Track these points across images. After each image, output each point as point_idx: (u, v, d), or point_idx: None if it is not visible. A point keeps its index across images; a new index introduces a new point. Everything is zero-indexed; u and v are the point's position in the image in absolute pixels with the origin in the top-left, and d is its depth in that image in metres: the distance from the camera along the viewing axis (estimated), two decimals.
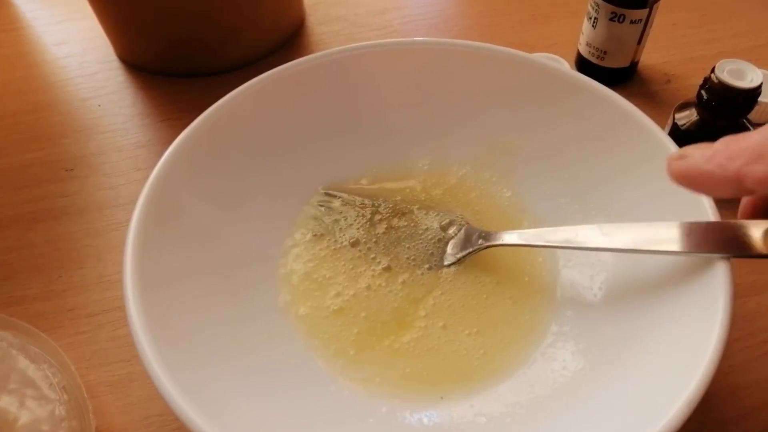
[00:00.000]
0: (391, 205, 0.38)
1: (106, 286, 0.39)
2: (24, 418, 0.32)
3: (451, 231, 0.37)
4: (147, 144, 0.48)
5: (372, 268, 0.35)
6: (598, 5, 0.45)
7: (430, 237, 0.37)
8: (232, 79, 0.43)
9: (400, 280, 0.35)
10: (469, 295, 0.34)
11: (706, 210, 0.29)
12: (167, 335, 0.28)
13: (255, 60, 0.53)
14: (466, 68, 0.39)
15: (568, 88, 0.36)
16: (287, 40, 0.55)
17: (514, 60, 0.38)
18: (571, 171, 0.37)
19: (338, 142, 0.40)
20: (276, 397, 0.30)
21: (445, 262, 0.36)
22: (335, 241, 0.37)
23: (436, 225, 0.37)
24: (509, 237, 0.34)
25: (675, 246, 0.28)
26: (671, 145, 0.33)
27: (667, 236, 0.28)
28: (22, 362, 0.34)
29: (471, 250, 0.35)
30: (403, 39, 0.41)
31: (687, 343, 0.26)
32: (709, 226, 0.28)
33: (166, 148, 0.35)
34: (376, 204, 0.38)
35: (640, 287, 0.31)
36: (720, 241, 0.27)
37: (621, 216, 0.34)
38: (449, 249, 0.36)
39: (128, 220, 0.31)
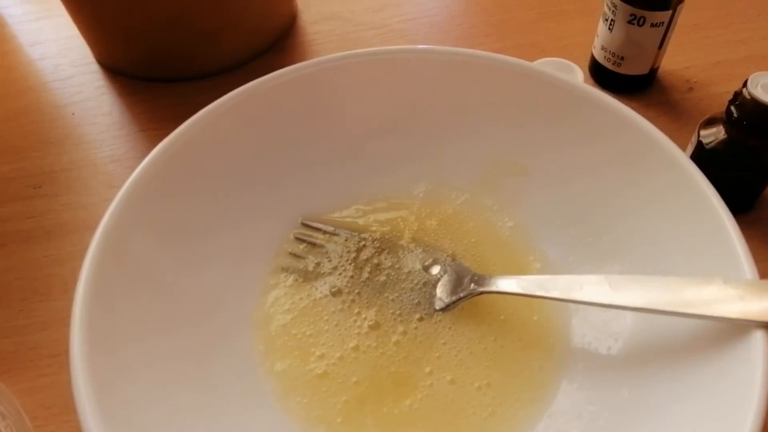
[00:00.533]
0: (378, 236, 0.35)
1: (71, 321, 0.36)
2: None
3: (435, 271, 0.33)
4: (122, 158, 0.44)
5: (358, 324, 0.32)
6: (615, 6, 0.41)
7: (414, 281, 0.33)
8: (216, 84, 0.39)
9: (393, 339, 0.31)
10: (475, 339, 0.30)
11: (740, 262, 0.25)
12: (117, 398, 0.25)
13: (241, 63, 0.49)
14: (466, 81, 0.35)
15: (581, 104, 0.32)
16: (277, 41, 0.51)
17: (520, 72, 0.34)
18: (583, 199, 0.33)
19: (325, 167, 0.36)
20: None
21: (436, 307, 0.32)
22: (316, 289, 0.33)
23: (418, 266, 0.34)
24: (505, 284, 0.30)
25: (700, 309, 0.24)
26: (698, 175, 0.29)
27: (691, 295, 0.24)
28: None
29: (462, 295, 0.31)
30: (397, 47, 0.37)
31: (715, 428, 0.22)
32: (745, 285, 0.24)
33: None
34: (362, 237, 0.35)
35: (661, 348, 0.27)
36: (759, 306, 0.23)
37: (637, 252, 0.30)
38: (438, 292, 0.32)
39: None
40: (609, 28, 0.42)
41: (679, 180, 0.29)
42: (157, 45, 0.47)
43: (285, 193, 0.35)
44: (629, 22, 0.41)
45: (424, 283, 0.33)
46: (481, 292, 0.31)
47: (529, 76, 0.34)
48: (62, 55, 0.52)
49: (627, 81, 0.44)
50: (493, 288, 0.30)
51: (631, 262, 0.30)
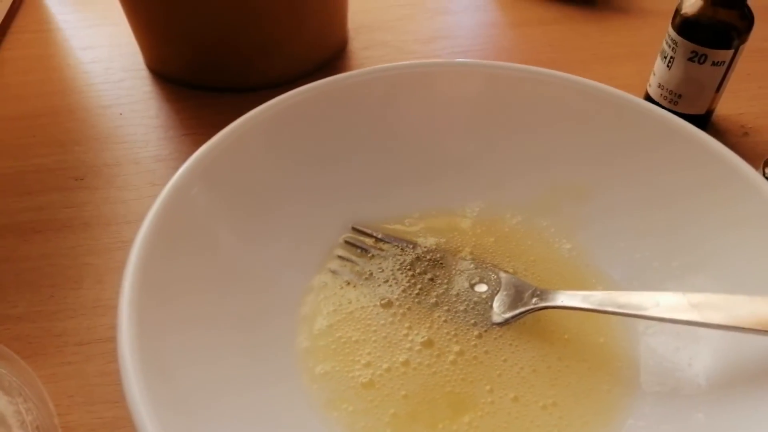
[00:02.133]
0: (434, 248, 0.33)
1: (102, 311, 0.34)
2: None
3: (482, 290, 0.32)
4: (166, 158, 0.43)
5: (409, 339, 0.30)
6: (676, 43, 0.41)
7: (464, 301, 0.31)
8: (264, 97, 0.39)
9: (449, 359, 0.29)
10: (538, 357, 0.29)
11: None
12: (164, 384, 0.23)
13: (290, 80, 0.49)
14: (532, 97, 0.35)
15: (650, 126, 0.32)
16: (327, 62, 0.52)
17: (589, 92, 0.34)
18: (652, 222, 0.31)
19: (380, 175, 0.35)
20: None
21: (493, 320, 0.30)
22: (365, 296, 0.32)
23: (466, 284, 0.32)
24: (570, 298, 0.29)
25: None
26: None
27: None
28: None
29: (523, 310, 0.30)
30: (463, 60, 0.37)
31: None
32: None
33: None
34: (418, 249, 0.33)
35: (741, 370, 0.25)
36: None
37: (710, 280, 0.29)
38: (495, 306, 0.31)
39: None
40: (668, 66, 0.42)
41: (761, 208, 0.28)
42: (210, 54, 0.47)
43: (340, 199, 0.34)
44: (690, 59, 0.40)
45: (475, 303, 0.31)
46: (544, 307, 0.29)
47: (593, 96, 0.33)
48: (113, 60, 0.52)
49: None
50: (557, 303, 0.29)
51: (703, 288, 0.29)
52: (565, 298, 0.29)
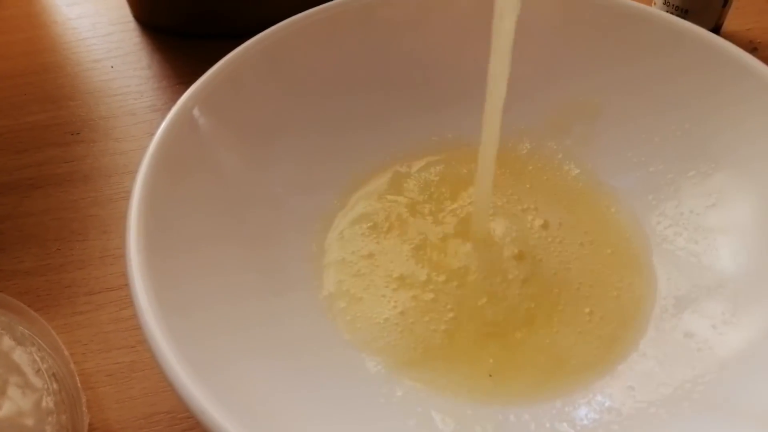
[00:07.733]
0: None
1: (110, 260, 0.34)
2: (4, 409, 0.26)
3: None
4: (162, 108, 0.42)
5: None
6: None
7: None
8: None
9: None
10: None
11: None
12: (177, 309, 0.23)
13: None
14: (536, 8, 0.33)
15: (666, 35, 0.30)
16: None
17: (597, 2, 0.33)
18: (665, 132, 0.30)
19: (384, 105, 0.34)
20: (310, 389, 0.24)
21: None
22: None
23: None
24: None
25: None
26: None
27: None
28: (6, 343, 0.28)
29: None
30: None
31: None
32: None
33: None
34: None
35: None
36: None
37: (730, 180, 0.28)
38: None
39: None
40: None
41: None
42: (199, 1, 0.45)
43: (346, 128, 0.33)
44: None
45: None
46: None
47: (609, 7, 0.32)
48: (99, 14, 0.51)
49: None
50: None
51: (721, 191, 0.28)
52: None
